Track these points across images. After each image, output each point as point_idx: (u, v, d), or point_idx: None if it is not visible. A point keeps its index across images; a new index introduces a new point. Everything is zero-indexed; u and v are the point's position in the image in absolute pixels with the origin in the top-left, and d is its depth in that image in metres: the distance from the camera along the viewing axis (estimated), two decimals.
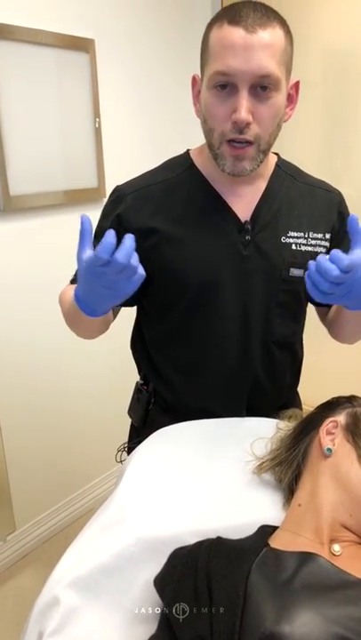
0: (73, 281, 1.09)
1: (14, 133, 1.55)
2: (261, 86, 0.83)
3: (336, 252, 0.71)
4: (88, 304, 0.83)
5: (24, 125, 1.58)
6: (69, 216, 1.77)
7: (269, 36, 0.81)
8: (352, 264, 0.70)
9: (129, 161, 1.90)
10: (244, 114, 0.83)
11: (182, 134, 1.96)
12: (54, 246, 1.75)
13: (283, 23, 0.85)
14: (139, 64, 1.89)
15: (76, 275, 1.07)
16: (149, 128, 1.97)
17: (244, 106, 0.83)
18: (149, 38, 1.90)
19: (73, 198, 1.76)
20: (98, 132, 1.79)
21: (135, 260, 0.73)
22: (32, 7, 1.54)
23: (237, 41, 0.81)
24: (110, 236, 0.69)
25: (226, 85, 0.84)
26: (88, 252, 0.74)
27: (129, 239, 0.71)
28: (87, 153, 1.78)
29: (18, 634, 0.77)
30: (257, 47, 0.81)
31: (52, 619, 0.72)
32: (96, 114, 1.77)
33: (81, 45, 1.67)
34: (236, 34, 0.81)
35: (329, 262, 0.71)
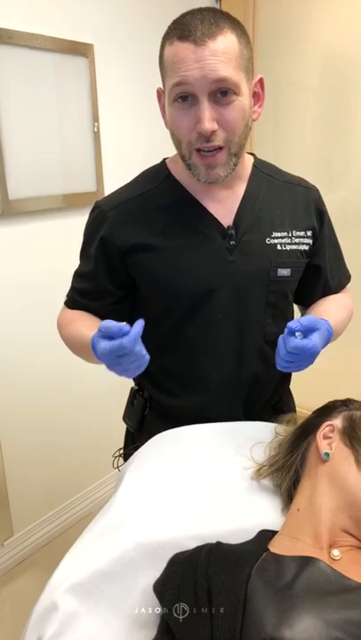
0: (67, 303, 1.09)
1: (13, 137, 1.55)
2: (221, 92, 0.83)
3: (286, 336, 0.83)
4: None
5: (23, 129, 1.58)
6: (68, 220, 1.77)
7: (221, 44, 0.81)
8: (296, 348, 0.81)
9: (128, 165, 1.89)
10: (207, 124, 0.83)
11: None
12: (53, 250, 1.75)
13: (234, 27, 0.84)
14: (137, 69, 1.90)
15: (71, 297, 1.08)
16: (148, 132, 1.97)
17: (206, 116, 0.83)
18: (148, 43, 1.91)
19: (72, 202, 1.76)
20: (97, 137, 1.79)
21: (142, 348, 0.82)
22: (31, 12, 1.54)
23: (188, 55, 0.81)
24: (129, 329, 0.79)
25: (186, 97, 0.84)
26: (104, 344, 0.79)
27: (139, 325, 0.80)
28: (86, 157, 1.78)
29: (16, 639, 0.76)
30: (208, 57, 0.81)
31: (50, 624, 0.71)
32: (95, 118, 1.77)
33: (80, 50, 1.67)
34: (186, 49, 0.81)
35: (282, 340, 0.83)
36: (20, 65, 1.53)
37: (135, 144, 1.95)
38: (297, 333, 0.82)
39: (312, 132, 2.04)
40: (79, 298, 1.06)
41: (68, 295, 1.09)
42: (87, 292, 1.05)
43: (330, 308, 1.07)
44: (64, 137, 1.69)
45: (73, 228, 1.77)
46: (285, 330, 0.83)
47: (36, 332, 1.77)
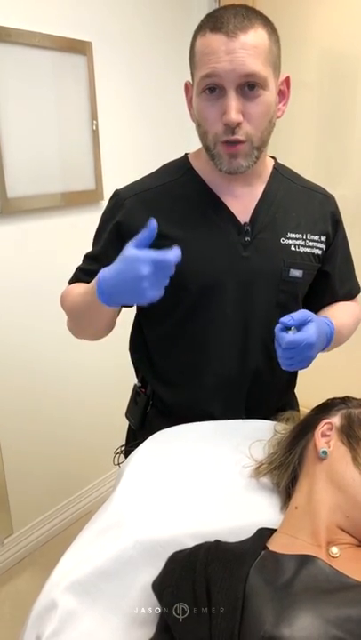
0: (70, 281, 1.09)
1: (12, 135, 1.55)
2: (249, 85, 0.84)
3: (279, 333, 0.85)
4: (111, 294, 0.83)
5: (22, 127, 1.58)
6: (67, 218, 1.77)
7: (251, 38, 0.83)
8: (290, 343, 0.83)
9: (126, 163, 1.90)
10: (233, 115, 0.85)
11: (180, 136, 1.97)
12: (52, 248, 1.74)
13: (266, 24, 0.86)
14: (136, 66, 1.90)
15: (75, 275, 1.08)
16: (147, 130, 1.97)
17: (232, 107, 0.85)
18: (147, 41, 1.91)
19: (70, 200, 1.76)
20: (95, 135, 1.79)
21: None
22: (29, 10, 1.54)
23: (219, 47, 0.83)
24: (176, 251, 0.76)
25: (214, 89, 0.86)
26: (147, 251, 0.77)
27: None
28: (85, 155, 1.78)
29: (15, 638, 0.76)
30: (239, 50, 0.82)
31: (49, 622, 0.71)
32: (94, 116, 1.77)
33: (78, 48, 1.67)
34: (217, 41, 0.83)
35: (281, 333, 0.85)
36: (19, 63, 1.53)
37: (134, 142, 1.95)
38: (291, 329, 0.84)
39: (310, 130, 2.04)
40: (84, 277, 1.05)
41: (73, 275, 1.09)
42: (94, 274, 1.04)
43: (336, 312, 1.08)
44: (63, 135, 1.69)
45: (72, 226, 1.78)
46: (278, 326, 0.85)
47: (36, 330, 1.77)
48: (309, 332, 0.85)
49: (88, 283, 1.03)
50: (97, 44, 1.73)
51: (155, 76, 1.95)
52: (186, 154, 1.05)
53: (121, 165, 1.88)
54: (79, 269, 1.08)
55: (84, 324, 1.04)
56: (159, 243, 0.96)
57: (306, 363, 0.88)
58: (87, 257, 1.08)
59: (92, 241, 1.08)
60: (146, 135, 1.97)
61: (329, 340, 0.96)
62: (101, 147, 1.82)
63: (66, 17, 1.64)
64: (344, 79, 1.91)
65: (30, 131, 1.60)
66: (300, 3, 1.94)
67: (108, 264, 1.01)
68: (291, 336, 0.84)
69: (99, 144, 1.81)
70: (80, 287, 1.01)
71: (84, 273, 1.06)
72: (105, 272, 0.83)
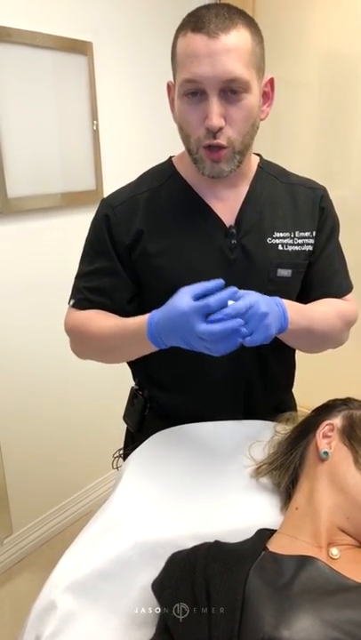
0: (76, 305, 1.03)
1: (12, 136, 1.55)
2: (231, 89, 0.83)
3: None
4: (162, 339, 0.85)
5: (22, 128, 1.57)
6: (67, 218, 1.77)
7: (233, 39, 0.81)
8: (244, 308, 0.79)
9: (127, 163, 1.89)
10: (215, 120, 0.84)
11: (179, 137, 1.96)
12: (52, 249, 1.74)
13: (249, 24, 0.84)
14: (136, 66, 1.89)
15: (82, 299, 1.02)
16: (147, 130, 1.97)
17: (214, 112, 0.84)
18: (147, 41, 1.91)
19: (71, 201, 1.76)
20: (96, 135, 1.79)
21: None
22: (30, 9, 1.54)
23: (201, 49, 0.81)
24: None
25: (196, 92, 0.84)
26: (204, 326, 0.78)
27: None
28: (85, 155, 1.78)
29: (15, 638, 0.76)
30: (221, 52, 0.81)
31: (49, 623, 0.71)
32: (94, 116, 1.77)
33: (79, 48, 1.67)
34: (199, 41, 0.81)
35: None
36: (19, 63, 1.53)
37: (134, 142, 1.95)
38: (229, 301, 0.79)
39: (311, 131, 2.04)
40: (92, 296, 1.01)
41: (75, 297, 1.03)
42: (102, 289, 1.01)
43: (315, 304, 1.02)
44: (63, 135, 1.69)
45: (72, 226, 1.78)
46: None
47: (36, 331, 1.77)
48: (251, 294, 0.80)
49: (100, 302, 1.00)
50: (98, 44, 1.73)
51: (155, 76, 1.94)
52: (170, 157, 1.04)
53: (121, 166, 1.87)
54: (85, 289, 1.02)
55: (117, 357, 1.02)
56: (147, 251, 0.96)
57: (265, 330, 0.81)
58: (88, 273, 1.02)
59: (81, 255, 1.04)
60: (146, 135, 1.97)
61: (285, 314, 0.89)
62: (102, 147, 1.82)
63: (67, 17, 1.64)
64: (344, 80, 1.91)
65: (31, 131, 1.60)
66: (299, 4, 1.94)
67: (117, 274, 0.99)
68: (237, 304, 0.79)
69: (99, 144, 1.81)
70: (105, 320, 0.97)
71: (92, 292, 1.01)
72: (158, 328, 0.84)
